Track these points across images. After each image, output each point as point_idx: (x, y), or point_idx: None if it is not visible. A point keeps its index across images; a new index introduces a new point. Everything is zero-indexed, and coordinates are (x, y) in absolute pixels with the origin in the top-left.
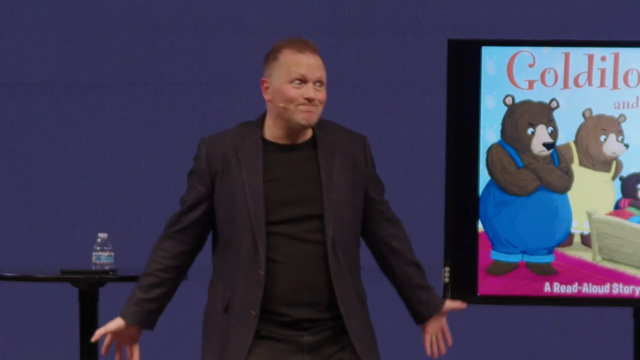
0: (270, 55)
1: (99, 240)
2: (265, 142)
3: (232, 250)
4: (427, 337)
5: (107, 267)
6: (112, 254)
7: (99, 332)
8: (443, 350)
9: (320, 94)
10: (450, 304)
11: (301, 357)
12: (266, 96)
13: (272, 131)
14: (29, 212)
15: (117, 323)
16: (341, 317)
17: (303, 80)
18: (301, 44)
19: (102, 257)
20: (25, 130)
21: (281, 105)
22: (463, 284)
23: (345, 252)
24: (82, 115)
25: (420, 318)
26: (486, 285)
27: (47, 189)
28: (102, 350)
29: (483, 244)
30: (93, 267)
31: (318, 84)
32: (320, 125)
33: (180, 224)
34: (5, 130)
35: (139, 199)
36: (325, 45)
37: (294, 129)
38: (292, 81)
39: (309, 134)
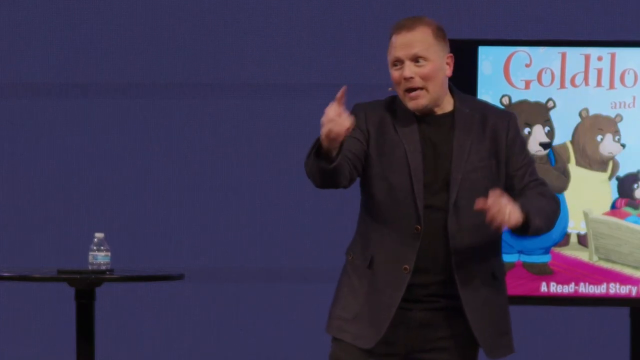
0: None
1: (95, 240)
2: (413, 113)
3: (385, 207)
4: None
5: (103, 267)
6: (109, 253)
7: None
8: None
9: (421, 72)
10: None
11: (407, 331)
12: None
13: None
14: (26, 211)
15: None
16: (459, 297)
17: (399, 61)
18: (398, 25)
19: (99, 257)
20: (21, 131)
21: (395, 90)
22: None
23: (475, 224)
24: (79, 116)
25: None
26: None
27: (43, 189)
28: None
29: None
30: (89, 267)
31: (419, 60)
32: (463, 100)
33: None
34: (1, 130)
35: (136, 199)
36: (322, 45)
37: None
38: (393, 64)
39: (449, 104)
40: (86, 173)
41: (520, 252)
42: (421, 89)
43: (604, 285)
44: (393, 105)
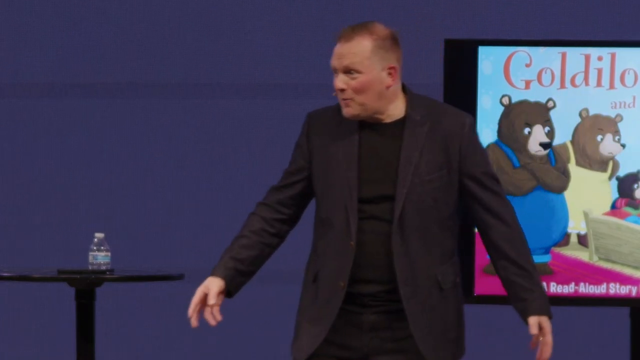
0: None
1: (95, 240)
2: (361, 120)
3: (326, 223)
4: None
5: (103, 267)
6: (109, 253)
7: (197, 299)
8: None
9: (352, 82)
10: (533, 324)
11: (360, 334)
12: None
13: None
14: (26, 211)
15: (208, 282)
16: (398, 296)
17: (334, 70)
18: (340, 34)
19: (99, 257)
20: (21, 131)
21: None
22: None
23: (421, 236)
24: (79, 116)
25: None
26: (483, 285)
27: (43, 189)
28: (190, 311)
29: (480, 244)
30: (90, 267)
31: (351, 72)
32: (416, 105)
33: (280, 194)
34: (1, 130)
35: (136, 199)
36: (321, 45)
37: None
38: (333, 72)
39: (398, 113)
40: (86, 173)
41: None
42: (351, 99)
43: (604, 285)
44: (338, 114)
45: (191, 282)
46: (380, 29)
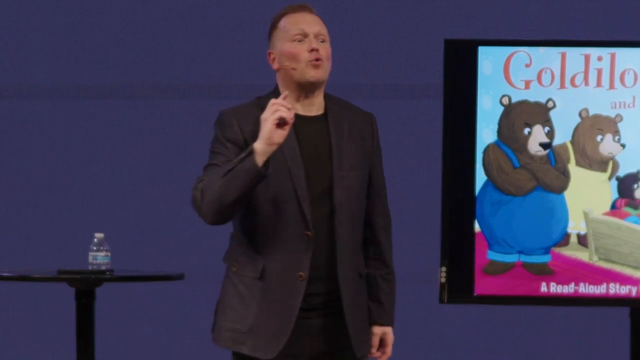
0: (272, 27)
1: (95, 240)
2: None
3: (268, 217)
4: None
5: (103, 267)
6: (109, 254)
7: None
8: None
9: (324, 50)
10: (375, 338)
11: (310, 340)
12: (274, 66)
13: (288, 102)
14: (26, 211)
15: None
16: (338, 291)
17: (304, 35)
18: (297, 7)
19: (99, 257)
20: (21, 131)
21: (290, 66)
22: (459, 284)
23: (351, 224)
24: (79, 116)
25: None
26: (483, 285)
27: (43, 188)
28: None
29: (479, 244)
30: (89, 267)
31: (321, 38)
32: (331, 99)
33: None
34: (1, 130)
35: (136, 199)
36: None
37: (307, 93)
38: (293, 39)
39: (321, 106)
40: (86, 173)
41: (520, 252)
42: (322, 62)
43: (604, 285)
44: (261, 108)
45: (191, 282)
46: None
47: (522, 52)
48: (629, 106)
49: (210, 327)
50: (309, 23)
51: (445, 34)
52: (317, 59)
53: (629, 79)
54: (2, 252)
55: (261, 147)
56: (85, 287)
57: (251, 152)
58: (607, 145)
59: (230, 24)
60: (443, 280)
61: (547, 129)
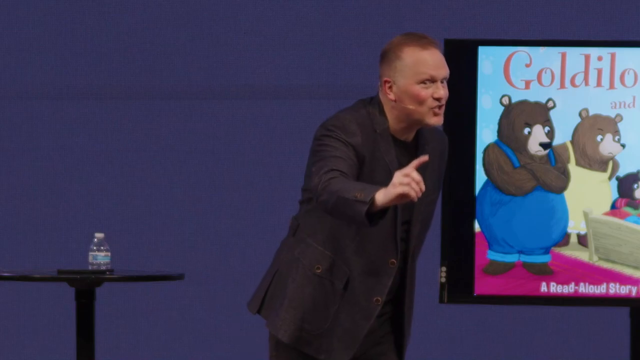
0: (391, 54)
1: (95, 240)
2: (391, 136)
3: (364, 234)
4: None
5: (103, 267)
6: (109, 253)
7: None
8: None
9: (445, 93)
10: None
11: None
12: (390, 96)
13: (393, 126)
14: (26, 211)
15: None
16: (402, 315)
17: (432, 80)
18: (423, 41)
19: (99, 257)
20: (21, 131)
21: (411, 107)
22: (459, 283)
23: (418, 250)
24: (79, 116)
25: None
26: (483, 285)
27: (43, 189)
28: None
29: (480, 244)
30: (89, 267)
31: (444, 82)
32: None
33: (335, 171)
34: (1, 130)
35: (136, 199)
36: (322, 46)
37: (414, 129)
38: (420, 82)
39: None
40: (86, 173)
41: (520, 252)
42: (441, 109)
43: (604, 285)
44: (372, 123)
45: (191, 282)
46: None
47: (522, 52)
48: (629, 106)
49: (210, 326)
50: (438, 67)
51: (446, 34)
52: (439, 107)
53: (629, 79)
54: (2, 252)
55: (381, 201)
56: (85, 287)
57: (371, 200)
58: (607, 145)
59: (230, 24)
60: (443, 280)
61: (547, 129)
